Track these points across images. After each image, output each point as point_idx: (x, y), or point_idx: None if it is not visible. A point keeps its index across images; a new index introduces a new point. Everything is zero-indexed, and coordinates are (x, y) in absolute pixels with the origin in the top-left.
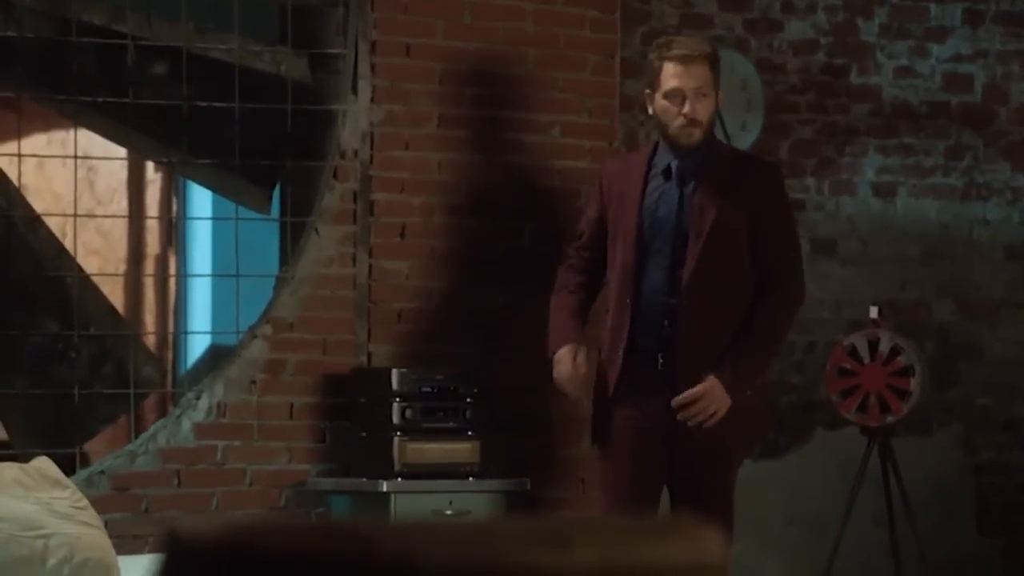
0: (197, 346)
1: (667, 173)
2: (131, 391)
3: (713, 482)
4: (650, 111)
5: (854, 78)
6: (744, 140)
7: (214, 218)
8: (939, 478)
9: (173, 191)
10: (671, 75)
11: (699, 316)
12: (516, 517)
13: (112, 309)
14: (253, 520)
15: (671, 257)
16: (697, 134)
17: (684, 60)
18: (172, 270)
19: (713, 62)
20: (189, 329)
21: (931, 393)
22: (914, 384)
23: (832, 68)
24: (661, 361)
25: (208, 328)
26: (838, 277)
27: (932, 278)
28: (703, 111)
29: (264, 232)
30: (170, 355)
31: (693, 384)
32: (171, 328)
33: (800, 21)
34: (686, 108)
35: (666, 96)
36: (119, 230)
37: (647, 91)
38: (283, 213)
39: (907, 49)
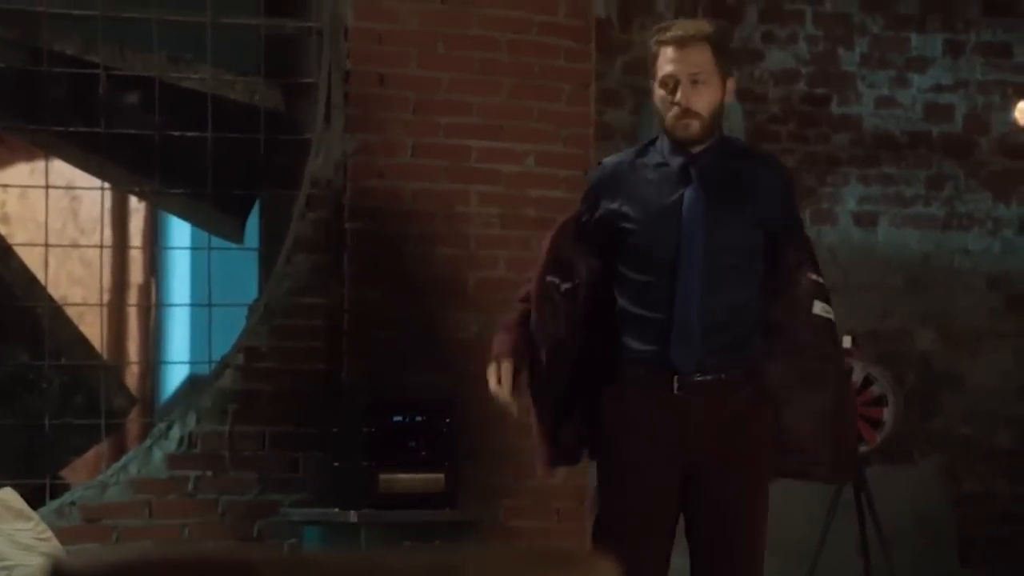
0: (178, 376)
1: (679, 174)
2: (102, 421)
3: (751, 509)
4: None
5: (835, 108)
6: None
7: (186, 248)
8: (921, 508)
9: (156, 220)
10: (666, 61)
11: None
12: (408, 550)
13: (83, 339)
14: (139, 552)
15: (689, 270)
16: (695, 126)
17: (679, 43)
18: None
19: (716, 44)
20: (168, 359)
21: (912, 422)
22: (887, 414)
23: (813, 98)
24: (676, 385)
25: (186, 358)
26: None
27: (914, 307)
28: (700, 100)
29: (244, 261)
30: (149, 385)
31: (714, 408)
32: (151, 358)
33: (781, 51)
34: (678, 96)
35: (661, 84)
36: (103, 260)
37: (651, 81)
38: (262, 242)
39: (888, 79)
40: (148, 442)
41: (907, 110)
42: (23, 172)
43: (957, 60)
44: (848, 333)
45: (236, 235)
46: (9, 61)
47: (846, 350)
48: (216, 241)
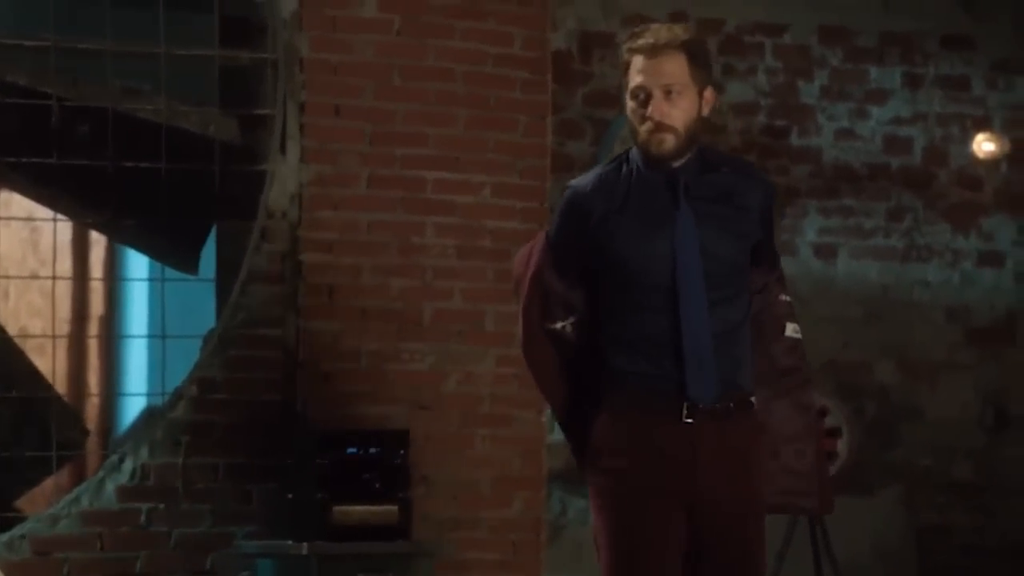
0: (137, 408)
1: (664, 192)
2: (53, 454)
3: (756, 541)
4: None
5: (795, 139)
6: None
7: (142, 279)
8: (881, 539)
9: (115, 251)
10: (637, 71)
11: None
12: None
13: (35, 371)
14: None
15: (690, 295)
16: (669, 142)
17: (651, 52)
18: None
19: (692, 52)
20: (126, 390)
21: (872, 454)
22: (841, 445)
23: (773, 130)
24: (686, 412)
25: (144, 389)
26: None
27: (874, 339)
28: (674, 113)
29: (202, 292)
30: (104, 418)
31: (722, 436)
32: (108, 390)
33: (741, 83)
34: (651, 109)
35: (632, 96)
36: (62, 291)
37: (623, 92)
38: (219, 273)
39: (847, 111)
40: (100, 474)
41: (867, 142)
42: None
43: (916, 93)
44: None
45: (190, 266)
46: None
47: None
48: (173, 272)
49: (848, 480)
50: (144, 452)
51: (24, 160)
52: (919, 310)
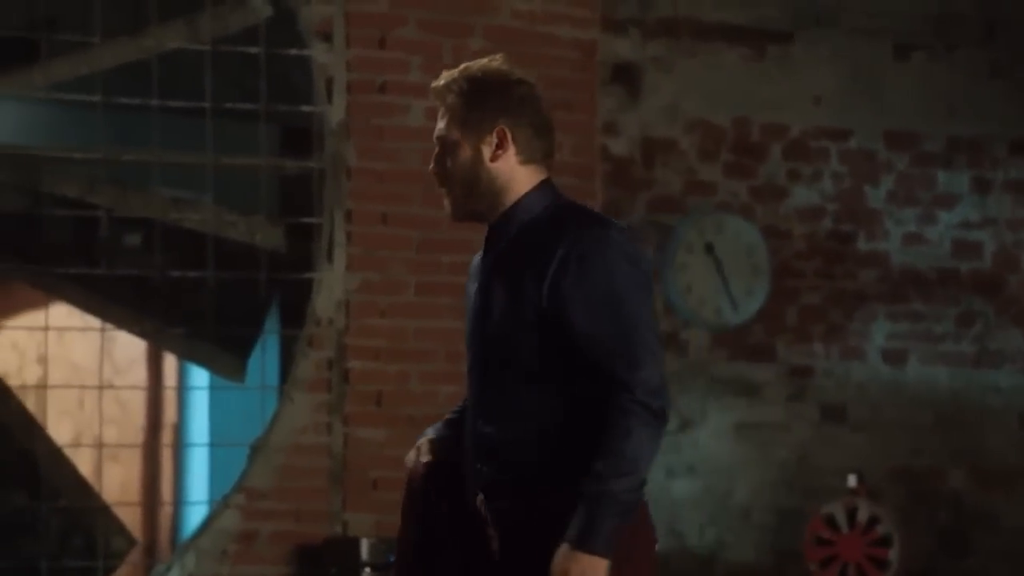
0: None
1: (483, 262)
2: (100, 563)
3: None
4: None
5: (862, 244)
6: (749, 306)
7: (203, 387)
8: None
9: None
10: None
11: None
12: None
13: (82, 480)
14: None
15: (475, 372)
16: (447, 203)
17: (435, 95)
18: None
19: (463, 91)
20: (189, 499)
21: (944, 563)
22: (892, 554)
23: (839, 234)
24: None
25: (205, 497)
26: (848, 444)
27: (945, 445)
28: (441, 168)
29: (264, 400)
30: (171, 526)
31: (510, 537)
32: (166, 498)
33: (806, 188)
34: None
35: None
36: (136, 400)
37: None
38: (281, 380)
39: (915, 216)
40: None
41: (935, 247)
42: (61, 313)
43: (985, 197)
44: (854, 471)
45: (237, 374)
46: (11, 205)
47: (852, 488)
48: (215, 380)
49: None
50: (191, 561)
51: (73, 271)
52: (991, 416)
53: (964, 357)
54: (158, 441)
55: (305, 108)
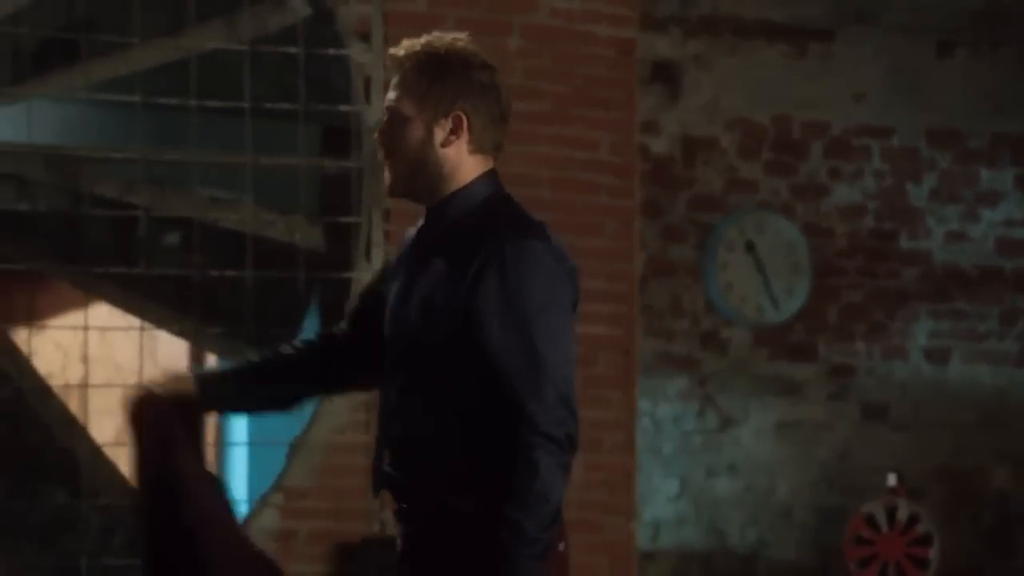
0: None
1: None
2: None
3: None
4: None
5: (904, 242)
6: (790, 305)
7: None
8: None
9: None
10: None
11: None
12: None
13: (122, 478)
14: None
15: (394, 371)
16: (387, 177)
17: (393, 63)
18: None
19: (423, 67)
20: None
21: (988, 562)
22: (933, 553)
23: (881, 232)
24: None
25: (244, 496)
26: (890, 443)
27: (988, 444)
28: (388, 138)
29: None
30: None
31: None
32: None
33: (847, 186)
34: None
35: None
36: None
37: None
38: None
39: (958, 214)
40: None
41: (978, 245)
42: (103, 312)
43: None
44: (894, 470)
45: None
46: (51, 205)
47: (891, 488)
48: None
49: None
50: None
51: (112, 270)
52: None
53: (1008, 356)
54: None
55: (343, 108)
